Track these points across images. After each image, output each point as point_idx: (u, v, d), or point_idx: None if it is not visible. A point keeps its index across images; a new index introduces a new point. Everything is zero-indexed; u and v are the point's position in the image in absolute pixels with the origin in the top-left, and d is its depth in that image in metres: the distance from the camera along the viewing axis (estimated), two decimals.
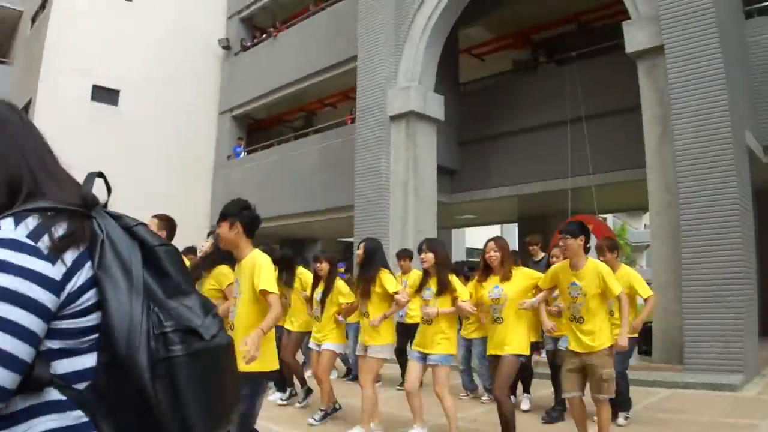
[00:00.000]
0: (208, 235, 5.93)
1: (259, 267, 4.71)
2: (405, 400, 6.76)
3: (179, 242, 5.28)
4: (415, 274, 7.65)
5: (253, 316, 4.75)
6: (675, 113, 11.04)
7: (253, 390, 4.74)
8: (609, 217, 42.38)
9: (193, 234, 7.77)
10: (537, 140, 16.75)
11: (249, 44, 25.78)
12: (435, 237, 15.89)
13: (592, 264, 5.97)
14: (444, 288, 6.44)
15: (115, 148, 23.18)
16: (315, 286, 8.18)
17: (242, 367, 4.57)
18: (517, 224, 24.32)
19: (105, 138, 23.09)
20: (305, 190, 20.62)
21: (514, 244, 20.23)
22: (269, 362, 4.76)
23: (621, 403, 7.42)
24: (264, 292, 4.66)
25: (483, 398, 9.33)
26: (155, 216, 6.40)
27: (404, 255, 9.86)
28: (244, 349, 4.36)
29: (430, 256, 6.54)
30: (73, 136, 22.20)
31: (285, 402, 8.95)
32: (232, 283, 5.13)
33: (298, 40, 22.58)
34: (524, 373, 8.52)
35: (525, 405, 8.47)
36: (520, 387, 8.70)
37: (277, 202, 21.24)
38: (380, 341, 6.84)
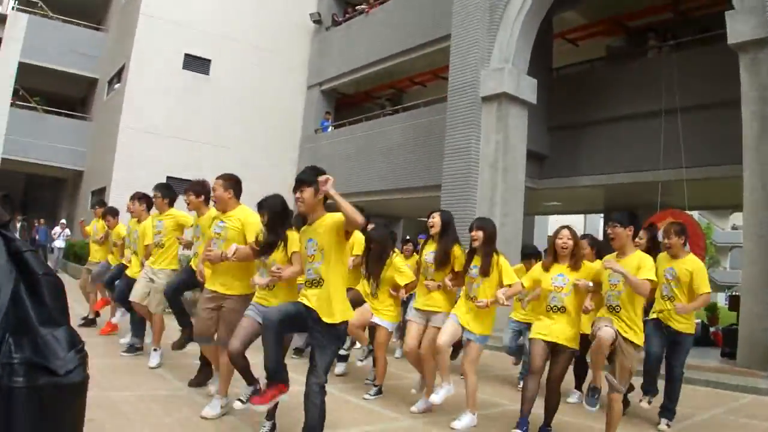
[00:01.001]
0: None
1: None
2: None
3: None
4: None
5: (340, 267, 5.04)
6: None
7: (341, 339, 5.12)
8: (695, 214, 41.49)
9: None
10: (628, 130, 16.38)
11: (340, 19, 25.85)
12: (521, 221, 15.83)
13: (638, 254, 5.97)
14: (486, 270, 6.51)
15: (205, 117, 23.74)
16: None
17: (328, 319, 4.90)
18: (602, 215, 23.90)
19: (195, 106, 23.64)
20: (391, 168, 20.71)
21: (598, 235, 19.86)
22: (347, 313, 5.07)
23: (668, 409, 7.17)
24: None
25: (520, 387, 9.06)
26: (219, 177, 6.50)
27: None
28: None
29: (480, 234, 6.60)
30: (164, 103, 22.87)
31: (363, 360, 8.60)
32: (296, 252, 5.43)
33: (390, 17, 22.58)
34: (580, 367, 8.30)
35: (573, 398, 8.21)
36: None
37: (361, 178, 21.41)
38: (444, 310, 7.01)
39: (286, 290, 5.66)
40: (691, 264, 7.13)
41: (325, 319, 4.89)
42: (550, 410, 6.17)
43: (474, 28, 16.34)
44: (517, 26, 15.74)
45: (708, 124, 14.51)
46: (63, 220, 24.51)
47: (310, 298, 4.99)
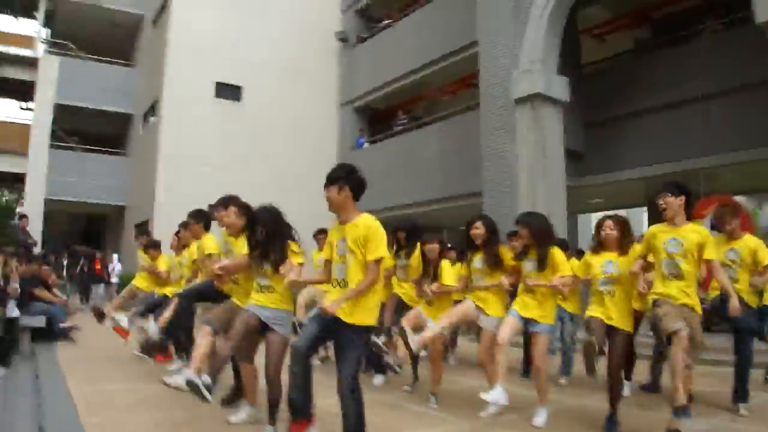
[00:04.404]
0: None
1: (372, 235, 4.92)
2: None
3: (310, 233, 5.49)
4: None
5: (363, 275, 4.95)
6: None
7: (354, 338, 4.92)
8: (741, 198, 40.73)
9: (325, 223, 8.02)
10: (664, 120, 16.17)
11: (366, 36, 26.00)
12: (565, 221, 15.63)
13: (695, 226, 5.97)
14: (543, 263, 6.45)
15: (240, 143, 24.10)
16: (425, 270, 7.86)
17: (347, 319, 4.89)
18: (646, 208, 23.56)
19: (231, 133, 23.98)
20: (429, 179, 20.74)
21: (642, 229, 19.58)
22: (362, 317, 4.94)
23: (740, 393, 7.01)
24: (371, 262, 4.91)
25: (562, 381, 8.95)
26: (234, 204, 6.62)
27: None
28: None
29: (525, 231, 6.59)
30: (199, 132, 23.25)
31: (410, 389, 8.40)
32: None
33: (415, 28, 22.71)
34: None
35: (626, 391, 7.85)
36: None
37: (400, 192, 21.45)
38: (490, 312, 6.91)
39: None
40: (751, 242, 7.23)
41: (345, 319, 4.87)
42: (613, 398, 6.09)
43: (500, 31, 16.35)
44: (543, 25, 15.67)
45: (745, 108, 14.35)
46: (115, 255, 24.57)
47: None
